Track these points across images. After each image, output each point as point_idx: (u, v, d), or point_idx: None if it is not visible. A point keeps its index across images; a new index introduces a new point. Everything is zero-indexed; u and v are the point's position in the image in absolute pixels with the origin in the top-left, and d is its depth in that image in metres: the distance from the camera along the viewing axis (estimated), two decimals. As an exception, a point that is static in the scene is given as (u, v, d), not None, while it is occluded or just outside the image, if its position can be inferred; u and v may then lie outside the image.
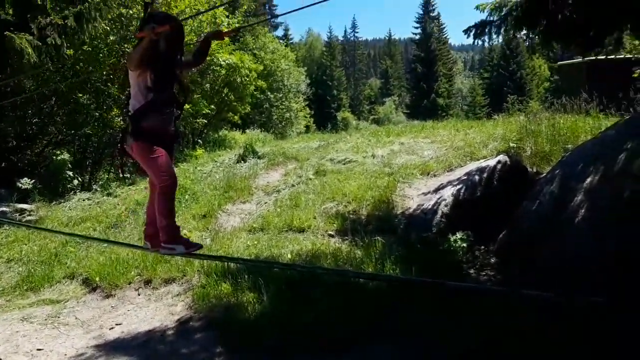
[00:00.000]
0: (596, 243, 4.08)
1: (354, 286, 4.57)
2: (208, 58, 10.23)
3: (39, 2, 9.23)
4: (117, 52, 13.01)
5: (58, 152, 11.46)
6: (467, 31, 6.66)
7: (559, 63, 20.84)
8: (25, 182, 9.90)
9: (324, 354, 3.88)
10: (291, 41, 53.86)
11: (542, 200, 5.11)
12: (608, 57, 12.22)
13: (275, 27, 49.22)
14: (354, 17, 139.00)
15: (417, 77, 55.08)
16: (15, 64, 9.42)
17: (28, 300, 5.89)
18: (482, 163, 6.60)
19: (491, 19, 6.55)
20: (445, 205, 6.03)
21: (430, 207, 6.22)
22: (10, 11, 9.26)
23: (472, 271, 5.08)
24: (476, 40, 6.69)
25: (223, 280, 5.10)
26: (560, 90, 21.26)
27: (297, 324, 4.09)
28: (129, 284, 5.78)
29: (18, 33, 8.53)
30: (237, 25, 17.34)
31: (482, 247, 5.45)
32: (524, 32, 6.48)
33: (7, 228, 8.07)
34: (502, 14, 6.41)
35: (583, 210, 4.46)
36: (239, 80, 17.13)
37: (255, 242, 6.23)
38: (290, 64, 29.77)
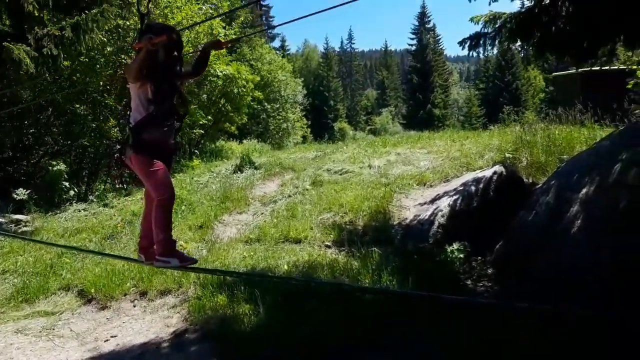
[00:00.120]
0: (592, 253, 4.09)
1: (351, 297, 4.54)
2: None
3: (36, 13, 9.26)
4: (114, 63, 13.05)
5: (54, 162, 11.44)
6: (462, 43, 6.71)
7: (553, 74, 21.01)
8: (21, 193, 9.86)
9: (320, 366, 3.85)
10: (288, 52, 54.21)
11: (538, 211, 5.12)
12: (602, 68, 12.38)
13: (272, 38, 49.61)
14: (350, 29, 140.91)
15: (413, 88, 55.45)
16: (12, 74, 9.43)
17: (23, 312, 5.83)
18: (478, 173, 6.63)
19: (486, 30, 6.61)
20: (442, 216, 6.03)
21: (426, 217, 6.22)
22: (7, 22, 9.30)
23: (469, 282, 5.07)
24: (471, 52, 6.73)
25: (219, 291, 5.07)
26: (555, 101, 21.43)
27: (294, 336, 4.05)
28: (125, 296, 5.74)
29: (15, 44, 8.55)
30: (234, 36, 17.46)
31: (479, 257, 5.44)
32: (519, 43, 6.55)
33: (2, 239, 8.02)
34: (496, 25, 6.47)
35: (579, 221, 4.47)
36: (235, 91, 17.18)
37: (252, 253, 6.21)
38: (287, 74, 29.90)
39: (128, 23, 13.03)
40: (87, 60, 12.32)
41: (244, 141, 20.29)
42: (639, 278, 3.53)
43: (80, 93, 12.50)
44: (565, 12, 5.72)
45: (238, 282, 5.09)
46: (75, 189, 11.85)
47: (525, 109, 35.42)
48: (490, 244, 5.43)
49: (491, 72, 52.26)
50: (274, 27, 50.32)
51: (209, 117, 16.63)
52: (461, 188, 6.43)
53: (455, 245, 5.39)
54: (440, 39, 62.54)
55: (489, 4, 6.08)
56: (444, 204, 6.22)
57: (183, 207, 8.62)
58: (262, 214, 7.96)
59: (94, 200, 10.62)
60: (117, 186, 12.86)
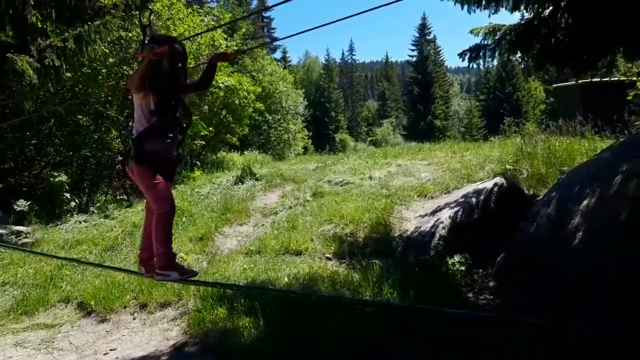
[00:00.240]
0: (594, 265, 4.07)
1: (352, 310, 4.52)
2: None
3: (39, 25, 9.34)
4: (116, 74, 13.12)
5: (56, 173, 11.47)
6: (462, 55, 6.74)
7: (554, 85, 21.07)
8: (22, 204, 9.86)
9: (321, 380, 3.82)
10: (289, 64, 54.49)
11: (540, 223, 5.11)
12: (602, 79, 12.42)
13: (274, 49, 49.92)
14: (351, 40, 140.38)
15: (414, 99, 55.63)
16: (15, 85, 9.49)
17: (22, 325, 5.80)
18: (479, 185, 6.61)
19: (485, 42, 6.64)
20: (443, 228, 6.01)
21: (427, 229, 6.20)
22: (11, 33, 9.38)
23: (470, 295, 5.04)
24: (471, 64, 6.75)
25: (219, 304, 5.04)
26: (556, 112, 21.46)
27: (294, 349, 4.03)
28: (125, 308, 5.71)
29: (18, 55, 8.61)
30: (235, 48, 17.56)
31: (480, 270, 5.41)
32: (518, 55, 6.58)
33: (3, 251, 8.01)
34: (496, 37, 6.50)
35: (580, 233, 4.45)
36: (237, 102, 17.24)
37: (252, 265, 6.18)
38: (289, 86, 30.02)
39: (130, 34, 13.12)
40: (89, 71, 12.40)
41: (245, 152, 20.32)
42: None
43: (82, 104, 12.56)
44: (564, 24, 5.75)
45: (238, 295, 5.07)
46: (76, 200, 11.86)
47: (526, 120, 35.45)
48: (492, 256, 5.41)
49: (492, 84, 52.42)
50: (277, 40, 50.56)
51: (211, 128, 16.67)
52: (462, 200, 6.42)
53: (456, 258, 5.38)
54: (440, 50, 62.87)
55: (489, 16, 6.11)
56: (445, 215, 6.20)
57: (184, 219, 8.62)
58: (263, 225, 7.94)
59: (95, 211, 10.63)
60: (118, 197, 12.87)
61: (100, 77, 12.75)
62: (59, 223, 9.95)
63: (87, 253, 7.97)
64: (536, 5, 5.87)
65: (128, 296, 5.83)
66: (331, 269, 5.81)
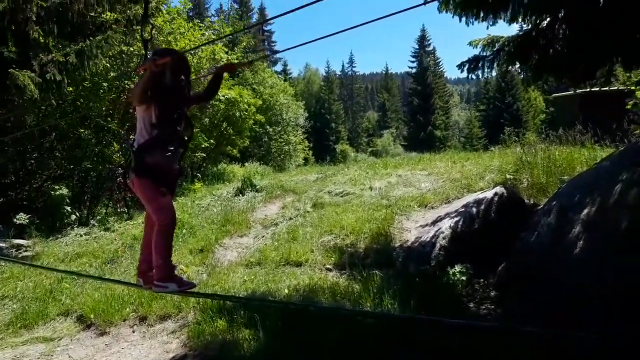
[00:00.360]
0: (594, 274, 4.04)
1: (352, 321, 4.49)
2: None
3: (42, 40, 9.44)
4: (117, 88, 13.21)
5: (56, 187, 11.50)
6: (460, 66, 6.76)
7: (553, 95, 21.13)
8: (22, 218, 9.87)
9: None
10: (290, 76, 54.83)
11: (540, 232, 5.09)
12: (601, 89, 12.46)
13: (275, 62, 50.31)
14: (351, 52, 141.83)
15: (414, 110, 55.87)
16: (16, 99, 9.56)
17: (21, 338, 5.77)
18: (479, 195, 6.60)
19: (484, 54, 6.67)
20: (444, 238, 5.99)
21: (428, 239, 6.18)
22: (13, 49, 9.46)
23: (471, 305, 5.00)
24: (470, 75, 6.78)
25: (219, 316, 5.02)
26: (555, 122, 21.50)
27: (294, 362, 4.00)
28: (124, 321, 5.68)
29: (20, 70, 8.68)
30: (236, 61, 17.68)
31: (482, 280, 5.38)
32: (517, 66, 6.61)
33: (3, 264, 8.00)
34: (495, 49, 6.54)
35: (581, 242, 4.43)
36: (237, 114, 17.34)
37: (252, 277, 6.16)
38: (289, 98, 30.18)
39: (132, 49, 13.25)
40: (90, 85, 12.50)
41: (246, 164, 20.36)
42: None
43: (83, 118, 12.63)
44: (562, 35, 5.79)
45: (238, 307, 5.05)
46: (77, 214, 11.88)
47: (526, 130, 35.46)
48: (493, 265, 5.38)
49: (491, 94, 52.60)
50: (277, 52, 51.06)
51: (211, 141, 16.75)
52: (462, 209, 6.41)
53: (457, 268, 5.35)
54: (440, 61, 63.37)
55: (487, 27, 6.15)
56: (446, 225, 6.19)
57: (184, 231, 8.62)
58: (263, 237, 7.93)
59: (96, 224, 10.63)
60: (118, 210, 12.88)
61: (101, 91, 12.86)
62: (60, 236, 9.95)
63: (87, 266, 7.96)
64: (534, 17, 5.91)
65: (128, 309, 5.81)
66: (332, 280, 5.79)
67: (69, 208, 11.26)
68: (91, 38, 9.74)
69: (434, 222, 6.60)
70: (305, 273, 6.17)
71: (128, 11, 10.60)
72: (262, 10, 54.78)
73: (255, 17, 50.43)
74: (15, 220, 9.89)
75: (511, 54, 6.26)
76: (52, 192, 11.26)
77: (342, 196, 8.97)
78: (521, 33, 6.31)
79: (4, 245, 8.96)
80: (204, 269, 7.01)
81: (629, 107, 8.61)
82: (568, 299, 4.03)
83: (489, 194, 6.39)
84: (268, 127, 25.44)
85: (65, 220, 10.99)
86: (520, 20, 5.99)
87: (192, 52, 14.42)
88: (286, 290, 5.57)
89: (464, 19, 6.15)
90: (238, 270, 6.56)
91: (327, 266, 6.32)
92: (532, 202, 6.39)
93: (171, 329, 5.31)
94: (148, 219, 3.60)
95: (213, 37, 17.35)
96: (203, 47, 15.44)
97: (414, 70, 59.38)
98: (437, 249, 5.88)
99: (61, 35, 9.97)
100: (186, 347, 4.84)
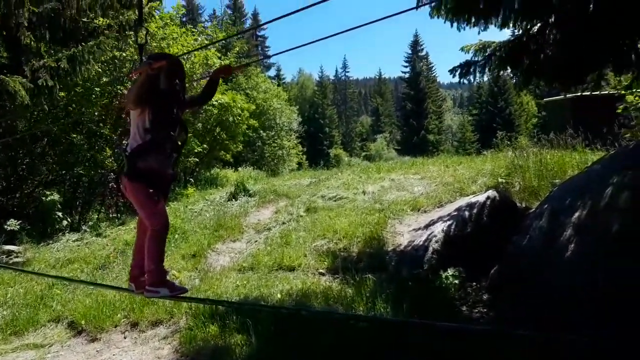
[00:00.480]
0: (586, 277, 4.06)
1: (345, 325, 4.48)
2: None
3: (33, 45, 9.40)
4: (109, 93, 13.16)
5: (48, 192, 11.40)
6: (452, 71, 6.78)
7: (545, 99, 21.27)
8: (13, 224, 9.79)
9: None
10: (283, 81, 54.88)
11: (532, 235, 5.11)
12: (592, 93, 12.56)
13: (268, 67, 50.38)
14: (344, 57, 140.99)
15: (407, 115, 56.11)
16: (7, 105, 9.51)
17: (11, 345, 5.71)
18: (472, 199, 6.63)
19: (476, 59, 6.71)
20: (436, 242, 6.00)
21: (421, 243, 6.19)
22: (5, 54, 9.43)
23: (464, 308, 5.01)
24: (462, 80, 6.81)
25: (211, 321, 4.99)
26: (547, 126, 21.64)
27: (287, 367, 3.98)
28: (115, 327, 5.63)
29: (11, 76, 8.64)
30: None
31: (474, 283, 5.39)
32: (509, 71, 6.65)
33: (-7, 271, 7.93)
34: (486, 54, 6.58)
35: (572, 245, 4.45)
36: (231, 119, 17.31)
37: (245, 282, 6.14)
38: (283, 102, 30.20)
39: (124, 54, 13.21)
40: (83, 90, 12.43)
41: (239, 169, 20.34)
42: (632, 301, 3.51)
43: (75, 123, 12.57)
44: (552, 39, 5.83)
45: (230, 312, 5.02)
46: (69, 219, 11.79)
47: (518, 134, 35.72)
48: (485, 269, 5.39)
49: (484, 98, 52.94)
50: (270, 56, 51.15)
51: (204, 145, 16.71)
52: (455, 213, 6.43)
53: (449, 271, 5.36)
54: (433, 66, 63.75)
55: (478, 33, 6.19)
56: (438, 229, 6.20)
57: (176, 236, 8.57)
58: (256, 241, 7.91)
59: (87, 230, 10.56)
60: (110, 215, 12.79)
61: (93, 96, 12.79)
62: (51, 242, 9.88)
63: (79, 272, 7.90)
64: (525, 22, 5.95)
65: (119, 315, 5.76)
66: (324, 285, 5.78)
67: (60, 214, 11.17)
68: (83, 43, 9.72)
69: (427, 226, 6.62)
70: (298, 278, 6.16)
71: (120, 17, 10.60)
72: (255, 15, 54.92)
73: (248, 23, 50.55)
74: (6, 226, 9.81)
75: (502, 59, 6.29)
76: (44, 198, 11.16)
77: (335, 200, 8.97)
78: (512, 38, 6.35)
79: (-6, 251, 8.88)
80: (196, 274, 6.97)
81: (619, 111, 8.68)
82: (560, 302, 4.05)
83: (481, 197, 6.42)
84: (261, 131, 25.41)
85: (57, 226, 10.90)
86: (511, 25, 6.03)
87: (185, 57, 14.40)
88: (279, 295, 5.55)
89: (455, 24, 6.17)
90: (231, 275, 6.53)
91: (320, 270, 6.32)
92: (524, 206, 6.42)
93: (163, 335, 5.27)
94: (140, 224, 3.58)
95: (206, 42, 17.35)
96: (196, 53, 15.43)
97: (407, 75, 59.68)
98: (429, 252, 5.89)
99: (53, 40, 9.95)
100: (178, 352, 4.81)
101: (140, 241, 3.57)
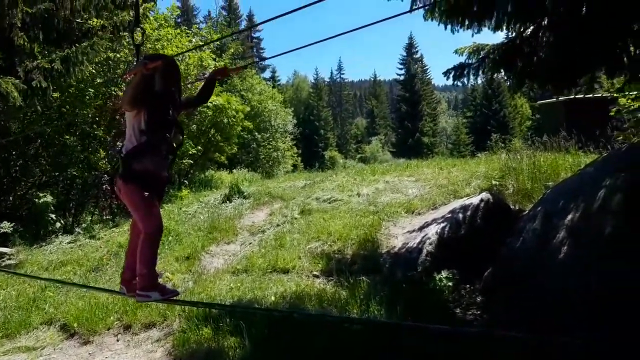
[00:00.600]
0: (579, 279, 4.07)
1: (339, 327, 4.47)
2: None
3: (27, 46, 9.34)
4: (103, 94, 13.09)
5: (41, 194, 11.31)
6: (446, 73, 6.80)
7: (538, 102, 21.36)
8: (5, 226, 9.71)
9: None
10: (278, 83, 54.80)
11: (526, 238, 5.13)
12: (585, 96, 12.63)
13: (263, 69, 50.27)
14: (339, 60, 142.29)
15: (402, 117, 56.18)
16: (1, 106, 9.43)
17: (2, 348, 5.65)
18: (466, 201, 6.64)
19: (470, 61, 6.73)
20: (430, 244, 6.01)
21: (415, 245, 6.20)
22: (-2, 55, 9.35)
23: (458, 310, 5.02)
24: (455, 82, 6.83)
25: (204, 324, 4.97)
26: (541, 128, 21.72)
27: (280, 369, 3.97)
28: (108, 330, 5.60)
29: (4, 77, 8.58)
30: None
31: (468, 285, 5.40)
32: (502, 73, 6.67)
33: (-15, 273, 7.85)
34: (480, 56, 6.60)
35: (565, 247, 4.47)
36: (225, 121, 17.25)
37: (239, 284, 6.12)
38: (278, 104, 30.16)
39: (118, 55, 13.16)
40: (76, 92, 12.35)
41: (234, 171, 20.27)
42: (625, 303, 3.52)
43: (69, 124, 12.49)
44: (545, 42, 5.86)
45: (223, 315, 5.00)
46: (62, 221, 11.69)
47: (512, 137, 35.88)
48: (479, 271, 5.41)
49: (478, 101, 53.11)
50: (266, 59, 51.16)
51: (199, 147, 16.65)
52: (449, 216, 6.44)
53: (443, 273, 5.37)
54: (427, 68, 63.90)
55: (472, 35, 6.21)
56: (432, 231, 6.21)
57: (170, 238, 8.54)
58: (250, 244, 7.89)
59: (81, 232, 10.48)
60: (104, 217, 12.71)
61: (87, 97, 12.69)
62: (44, 244, 9.80)
63: (72, 274, 7.83)
64: (518, 25, 5.98)
65: (112, 317, 5.72)
66: (319, 287, 5.77)
67: (53, 216, 11.08)
68: (77, 44, 9.66)
69: (421, 228, 6.63)
70: (292, 280, 6.14)
71: (114, 18, 10.55)
72: (250, 17, 54.82)
73: (243, 24, 50.45)
74: (-1, 228, 9.73)
75: (496, 61, 6.32)
76: (37, 200, 11.07)
77: (329, 202, 8.97)
78: (506, 41, 6.37)
79: (-14, 253, 8.80)
80: (190, 276, 6.94)
81: (612, 113, 8.73)
82: (553, 305, 4.06)
83: (475, 200, 6.43)
84: (256, 133, 25.36)
85: (50, 228, 10.81)
86: (504, 28, 6.04)
87: (179, 58, 14.35)
88: (273, 298, 5.53)
89: (449, 26, 6.20)
90: (224, 277, 6.51)
91: (315, 273, 6.31)
92: (517, 208, 6.44)
93: (156, 338, 5.24)
94: (134, 226, 3.57)
95: (201, 43, 17.30)
96: (190, 54, 15.39)
97: (401, 78, 59.79)
98: (423, 254, 5.90)
99: (47, 41, 9.88)
100: (171, 355, 4.78)
101: (133, 244, 3.55)
